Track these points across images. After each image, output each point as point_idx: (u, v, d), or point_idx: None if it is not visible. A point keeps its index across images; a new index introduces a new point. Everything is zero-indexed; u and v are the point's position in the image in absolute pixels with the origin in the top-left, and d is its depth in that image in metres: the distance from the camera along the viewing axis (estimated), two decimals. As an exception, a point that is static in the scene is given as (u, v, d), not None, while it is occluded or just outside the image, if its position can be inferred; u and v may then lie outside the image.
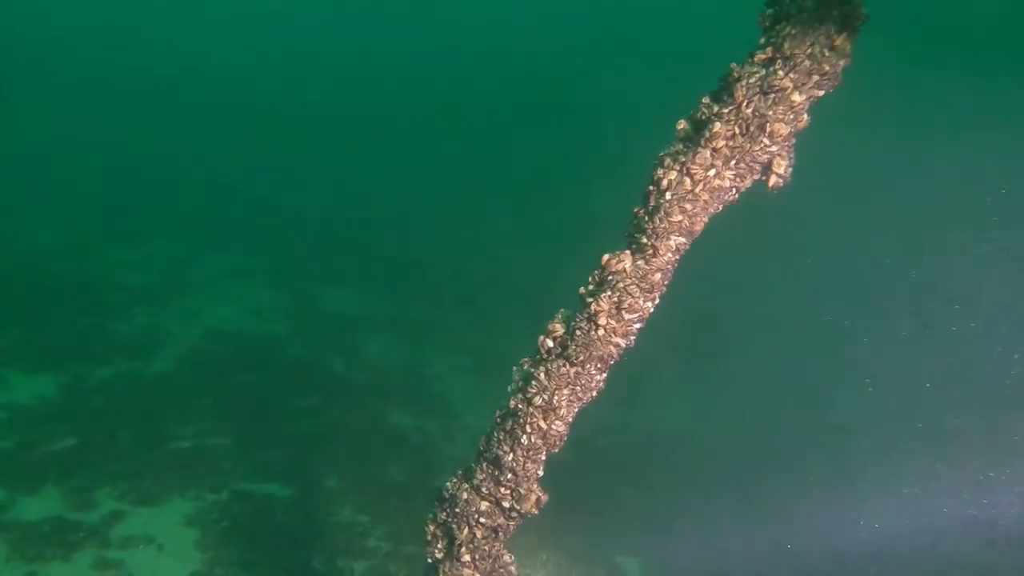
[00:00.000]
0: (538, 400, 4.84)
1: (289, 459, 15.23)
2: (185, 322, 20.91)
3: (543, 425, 4.85)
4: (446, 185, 45.54)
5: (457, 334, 26.82)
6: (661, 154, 4.89)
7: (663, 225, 4.67)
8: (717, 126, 4.57)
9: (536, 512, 5.03)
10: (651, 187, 4.87)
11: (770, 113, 4.45)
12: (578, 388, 4.81)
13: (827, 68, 4.41)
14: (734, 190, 4.82)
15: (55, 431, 13.40)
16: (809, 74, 4.41)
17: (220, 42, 66.98)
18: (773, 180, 4.78)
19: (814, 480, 18.32)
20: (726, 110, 4.60)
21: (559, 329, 4.94)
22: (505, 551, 5.43)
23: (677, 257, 4.88)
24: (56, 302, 19.55)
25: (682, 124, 4.86)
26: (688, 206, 4.67)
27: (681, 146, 4.81)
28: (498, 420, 5.10)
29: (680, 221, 4.67)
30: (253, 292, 25.69)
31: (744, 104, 4.49)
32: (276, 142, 47.62)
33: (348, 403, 19.02)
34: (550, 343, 4.93)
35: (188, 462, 13.90)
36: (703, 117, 4.76)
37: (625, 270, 4.83)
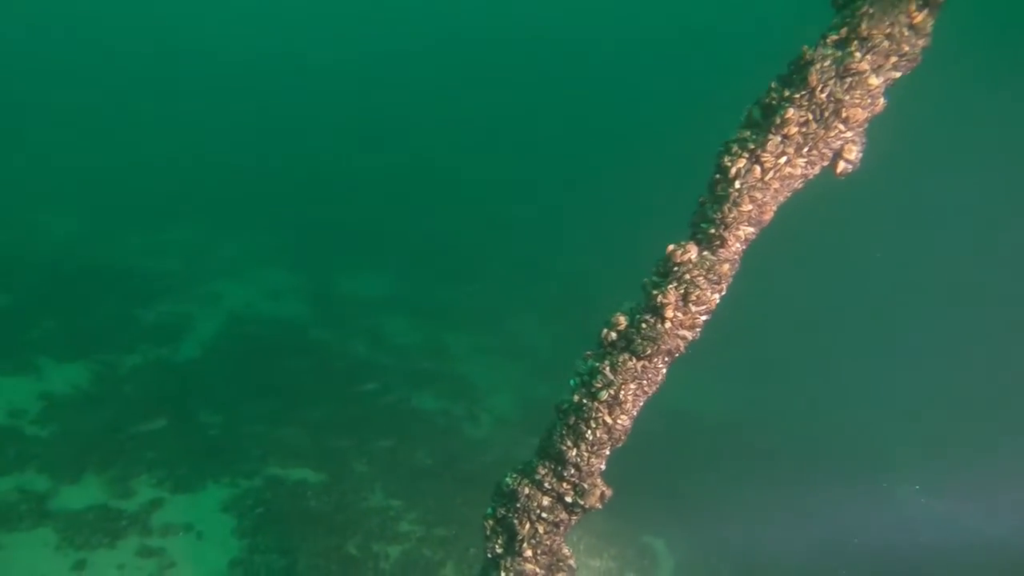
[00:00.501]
0: (603, 395, 4.77)
1: (318, 444, 15.30)
2: (208, 307, 20.99)
3: (608, 420, 4.79)
4: (463, 169, 45.32)
5: (476, 315, 26.85)
6: (728, 141, 4.75)
7: (732, 215, 4.55)
8: (790, 112, 4.42)
9: (600, 507, 4.98)
10: (717, 175, 4.73)
11: (846, 98, 4.29)
12: (644, 382, 4.74)
13: (906, 48, 4.25)
14: (803, 178, 4.69)
15: (90, 420, 13.50)
16: (887, 55, 4.25)
17: (230, 29, 66.46)
18: (842, 166, 4.63)
19: (847, 473, 18.37)
20: (798, 95, 4.43)
21: (623, 321, 4.84)
22: (564, 545, 5.41)
23: (745, 247, 4.77)
24: (82, 291, 19.62)
25: (750, 110, 4.73)
26: (758, 195, 4.54)
27: (749, 132, 4.67)
28: (559, 415, 5.03)
29: (750, 211, 4.54)
30: (272, 275, 25.74)
31: (818, 89, 4.33)
32: (289, 126, 47.49)
33: (373, 386, 19.10)
34: (614, 336, 4.84)
35: (220, 448, 13.98)
36: (773, 102, 4.59)
37: (691, 261, 4.72)
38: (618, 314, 4.91)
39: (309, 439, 15.52)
